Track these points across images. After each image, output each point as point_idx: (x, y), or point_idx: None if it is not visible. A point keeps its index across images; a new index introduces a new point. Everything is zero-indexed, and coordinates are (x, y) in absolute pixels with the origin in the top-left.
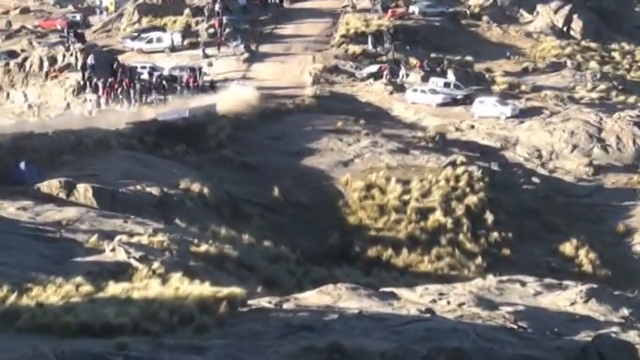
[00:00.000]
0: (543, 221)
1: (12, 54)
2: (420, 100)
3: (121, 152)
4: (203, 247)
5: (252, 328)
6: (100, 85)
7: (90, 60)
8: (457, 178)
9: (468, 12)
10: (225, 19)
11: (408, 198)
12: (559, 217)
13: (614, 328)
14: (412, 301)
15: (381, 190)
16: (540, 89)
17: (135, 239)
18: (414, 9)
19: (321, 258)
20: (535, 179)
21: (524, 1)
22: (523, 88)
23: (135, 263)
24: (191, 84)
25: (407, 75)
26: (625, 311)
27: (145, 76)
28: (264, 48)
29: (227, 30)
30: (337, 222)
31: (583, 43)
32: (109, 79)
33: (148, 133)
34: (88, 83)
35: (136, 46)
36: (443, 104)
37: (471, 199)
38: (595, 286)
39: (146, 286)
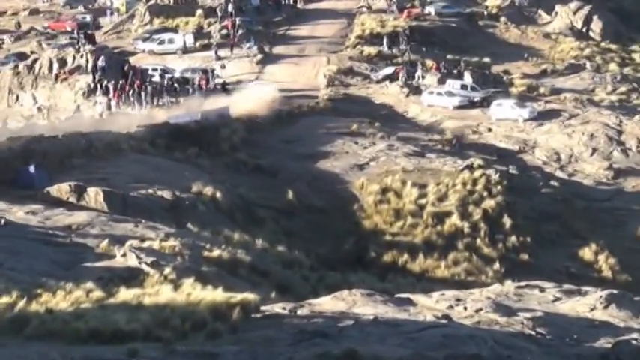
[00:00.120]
0: (562, 226)
1: (21, 56)
2: (436, 103)
3: (132, 156)
4: (215, 252)
5: (266, 334)
6: (111, 87)
7: (100, 62)
8: (474, 182)
9: (485, 12)
10: (238, 20)
11: (424, 202)
12: (578, 222)
13: (635, 335)
14: (428, 306)
15: (397, 194)
16: (559, 91)
17: (146, 244)
18: (430, 10)
19: (336, 263)
20: (554, 183)
21: (543, 2)
22: (541, 90)
23: (146, 268)
24: (203, 86)
25: (423, 77)
26: None
27: (157, 78)
28: (278, 49)
29: (240, 31)
30: (352, 226)
31: (603, 44)
32: (120, 82)
33: (159, 137)
34: (98, 85)
35: (148, 48)
36: (460, 107)
37: (489, 203)
38: (615, 291)
39: (157, 292)
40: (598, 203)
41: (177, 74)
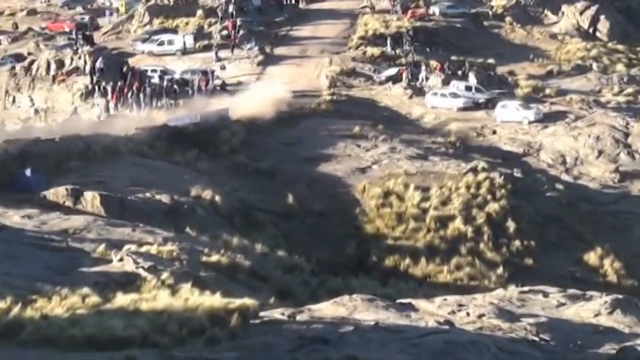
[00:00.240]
0: (567, 230)
1: (18, 57)
2: (440, 104)
3: (131, 159)
4: (214, 257)
5: (265, 340)
6: (109, 89)
7: (99, 63)
8: (478, 185)
9: (491, 13)
10: (239, 20)
11: (427, 206)
12: (583, 226)
13: None
14: (430, 312)
15: (400, 198)
16: (565, 93)
17: (144, 249)
18: (434, 10)
19: (337, 268)
20: (559, 186)
21: (549, 2)
22: (547, 91)
23: (143, 273)
24: (203, 88)
25: (427, 78)
26: None
27: (156, 79)
28: (280, 50)
29: (241, 32)
30: (354, 230)
31: (610, 44)
32: (119, 83)
33: (158, 139)
34: (96, 87)
35: (147, 49)
36: (464, 108)
37: (493, 207)
38: (620, 296)
39: (155, 297)
40: (604, 207)
41: (176, 76)
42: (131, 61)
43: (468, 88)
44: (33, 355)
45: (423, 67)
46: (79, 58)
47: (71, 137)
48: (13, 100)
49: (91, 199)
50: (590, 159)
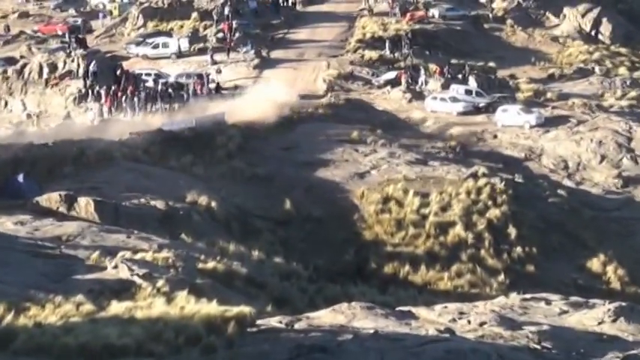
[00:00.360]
0: (569, 236)
1: (10, 60)
2: (440, 109)
3: (125, 164)
4: (210, 264)
5: (262, 349)
6: (103, 93)
7: (92, 67)
8: (479, 191)
9: (491, 15)
10: (234, 23)
11: (426, 212)
12: (586, 232)
13: None
14: (430, 320)
15: (399, 204)
16: (567, 97)
17: (139, 256)
18: (433, 12)
19: (335, 275)
20: (561, 192)
21: (550, 4)
22: (549, 95)
23: (138, 281)
24: (199, 91)
25: (426, 82)
26: None
27: (150, 83)
28: (276, 54)
29: (237, 35)
30: (352, 237)
31: (612, 47)
32: (113, 87)
33: (153, 144)
34: (90, 91)
35: (141, 52)
36: (464, 113)
37: (494, 213)
38: (624, 304)
39: (150, 305)
40: (607, 212)
41: (171, 79)
42: (125, 64)
43: (468, 92)
44: None
45: (423, 71)
46: (72, 61)
47: (64, 142)
48: (5, 105)
49: (84, 205)
50: (593, 164)
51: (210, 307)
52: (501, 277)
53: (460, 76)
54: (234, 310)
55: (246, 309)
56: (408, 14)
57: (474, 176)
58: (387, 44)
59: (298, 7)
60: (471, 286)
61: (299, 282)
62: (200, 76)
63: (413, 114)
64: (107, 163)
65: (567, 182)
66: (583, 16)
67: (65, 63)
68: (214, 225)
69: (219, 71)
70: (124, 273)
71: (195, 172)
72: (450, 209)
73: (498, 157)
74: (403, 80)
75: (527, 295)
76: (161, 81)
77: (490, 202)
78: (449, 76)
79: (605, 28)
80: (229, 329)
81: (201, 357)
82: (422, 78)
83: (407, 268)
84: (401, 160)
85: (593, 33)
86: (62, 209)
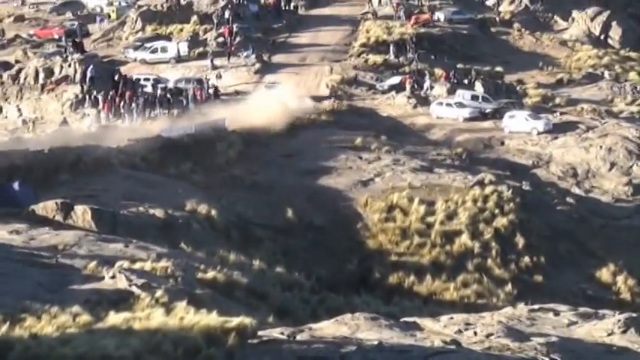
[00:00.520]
0: (578, 245)
1: (5, 65)
2: (445, 115)
3: (123, 171)
4: (210, 274)
5: None
6: (100, 98)
7: (89, 71)
8: (485, 199)
9: (498, 19)
10: (235, 27)
11: (432, 220)
12: (595, 241)
13: None
14: (436, 331)
15: (403, 212)
16: (576, 102)
17: (137, 265)
18: (439, 15)
19: (338, 285)
20: (570, 200)
21: (559, 7)
22: (557, 101)
23: (137, 291)
24: (198, 97)
25: (432, 87)
26: None
27: (149, 88)
28: (278, 58)
29: (237, 39)
30: (356, 246)
31: (622, 52)
32: (110, 92)
33: (151, 151)
34: (87, 97)
35: (139, 57)
36: (470, 119)
37: (501, 222)
38: (634, 315)
39: (148, 316)
40: (616, 221)
41: (170, 84)
42: (123, 69)
43: (475, 98)
44: None
45: (428, 76)
46: (69, 66)
47: (61, 149)
48: (0, 111)
49: (81, 213)
50: (602, 171)
51: (210, 318)
52: (508, 288)
53: (466, 81)
54: (234, 321)
55: (246, 320)
56: (413, 18)
57: (481, 184)
58: (391, 48)
59: (300, 11)
60: (478, 297)
61: (301, 292)
62: (200, 81)
63: (418, 120)
64: (105, 171)
65: (576, 190)
66: (592, 19)
67: (62, 68)
68: (214, 234)
69: (219, 76)
70: (121, 283)
71: (194, 180)
72: (456, 218)
73: (505, 164)
74: (408, 85)
75: (535, 306)
76: (160, 86)
77: (497, 211)
78: (455, 81)
79: (615, 32)
80: (230, 341)
81: None
82: (427, 83)
83: (412, 277)
84: (406, 168)
85: (602, 37)
86: (58, 218)
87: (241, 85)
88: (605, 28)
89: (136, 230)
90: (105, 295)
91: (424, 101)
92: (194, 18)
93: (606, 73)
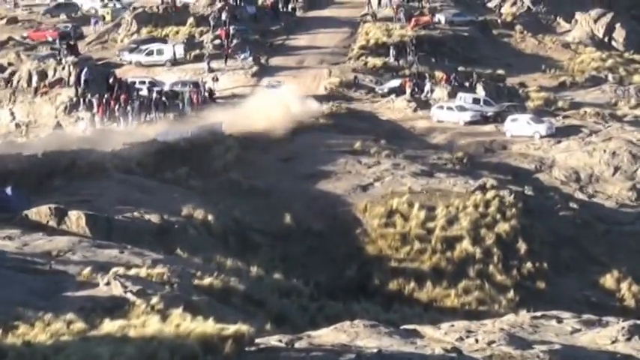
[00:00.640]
0: (582, 251)
1: None
2: (446, 118)
3: (118, 176)
4: (207, 280)
5: None
6: (95, 101)
7: (84, 74)
8: (487, 204)
9: (500, 21)
10: (232, 29)
11: (432, 226)
12: (599, 247)
13: None
14: (437, 339)
15: (403, 217)
16: (579, 106)
17: (132, 271)
18: (440, 18)
19: (337, 292)
20: (573, 205)
21: (561, 9)
22: (560, 104)
23: (132, 298)
24: (195, 100)
25: (432, 90)
26: None
27: (144, 92)
28: (276, 61)
29: (235, 41)
30: (355, 252)
31: (626, 54)
32: (105, 96)
33: (147, 155)
34: (81, 100)
35: (135, 59)
36: (472, 122)
37: (502, 227)
38: (639, 322)
39: (144, 323)
40: (620, 227)
41: (166, 88)
42: (118, 72)
43: (476, 101)
44: None
45: (428, 79)
46: (63, 68)
47: (55, 153)
48: None
49: (75, 218)
50: (606, 176)
51: (206, 326)
52: (511, 294)
53: (467, 84)
54: (231, 328)
55: (244, 327)
56: (413, 20)
57: (482, 189)
58: (391, 51)
59: (298, 13)
60: (479, 304)
61: (299, 299)
62: (196, 84)
63: (418, 123)
64: (99, 175)
65: (579, 195)
66: (595, 21)
67: (55, 70)
68: (211, 239)
69: (216, 79)
70: (116, 290)
71: (191, 185)
72: (457, 223)
73: (507, 168)
74: (408, 88)
75: (538, 313)
76: (155, 89)
77: (499, 216)
78: (456, 84)
79: (619, 34)
80: (227, 348)
81: None
82: (427, 86)
83: (412, 284)
84: (406, 172)
85: (606, 39)
86: (52, 223)
87: (238, 87)
88: (609, 30)
89: (131, 236)
90: (99, 302)
91: (424, 104)
92: (190, 20)
93: (610, 76)
